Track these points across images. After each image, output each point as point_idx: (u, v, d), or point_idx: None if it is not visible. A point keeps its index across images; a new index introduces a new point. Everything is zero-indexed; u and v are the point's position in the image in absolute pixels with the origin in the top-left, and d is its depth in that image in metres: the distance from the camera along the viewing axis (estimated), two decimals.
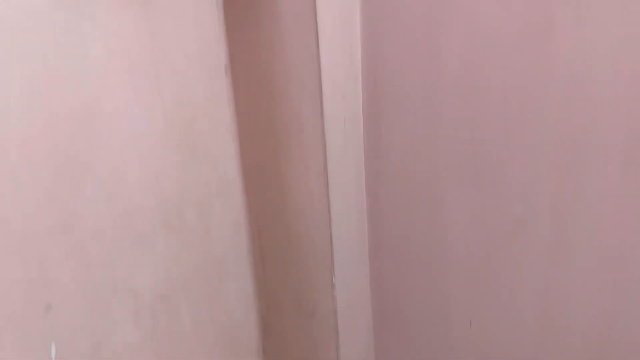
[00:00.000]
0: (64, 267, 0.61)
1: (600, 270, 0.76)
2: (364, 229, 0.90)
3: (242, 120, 0.82)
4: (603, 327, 0.79)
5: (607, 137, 0.70)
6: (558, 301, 0.79)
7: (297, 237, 0.83)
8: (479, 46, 0.75)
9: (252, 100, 0.81)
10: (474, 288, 0.85)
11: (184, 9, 0.73)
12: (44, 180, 0.58)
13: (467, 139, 0.79)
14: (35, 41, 0.56)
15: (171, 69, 0.71)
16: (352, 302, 0.88)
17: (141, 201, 0.69)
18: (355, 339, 0.90)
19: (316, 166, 0.80)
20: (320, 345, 0.86)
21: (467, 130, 0.79)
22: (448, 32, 0.76)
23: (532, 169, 0.76)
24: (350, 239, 0.86)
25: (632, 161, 0.70)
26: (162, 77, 0.70)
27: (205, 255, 0.78)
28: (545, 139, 0.74)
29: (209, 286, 0.79)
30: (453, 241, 0.84)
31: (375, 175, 0.87)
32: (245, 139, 0.83)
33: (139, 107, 0.68)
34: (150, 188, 0.70)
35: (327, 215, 0.81)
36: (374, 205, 0.88)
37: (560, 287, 0.79)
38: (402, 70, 0.81)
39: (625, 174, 0.71)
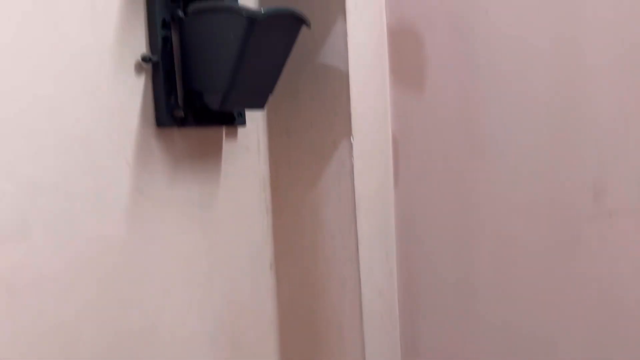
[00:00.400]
0: None
1: None
2: None
3: (284, 315, 0.86)
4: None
5: None
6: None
7: None
8: (507, 258, 0.80)
9: (295, 296, 0.86)
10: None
11: (238, 219, 0.80)
12: None
13: (500, 337, 0.82)
14: (110, 272, 0.62)
15: (222, 272, 0.77)
16: None
17: None
18: None
19: None
20: None
21: (500, 331, 0.82)
22: (478, 242, 0.82)
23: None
24: None
25: None
26: (214, 281, 0.76)
27: None
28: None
29: None
30: None
31: None
32: (287, 334, 0.86)
33: (192, 314, 0.72)
34: None
35: None
36: None
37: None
38: (435, 269, 0.86)
39: None
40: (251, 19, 0.63)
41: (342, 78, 0.80)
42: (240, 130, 0.80)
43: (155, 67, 0.66)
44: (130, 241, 0.64)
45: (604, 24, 0.73)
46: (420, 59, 0.86)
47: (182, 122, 0.69)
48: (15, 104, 0.54)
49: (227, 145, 0.78)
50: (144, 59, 0.65)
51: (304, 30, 0.71)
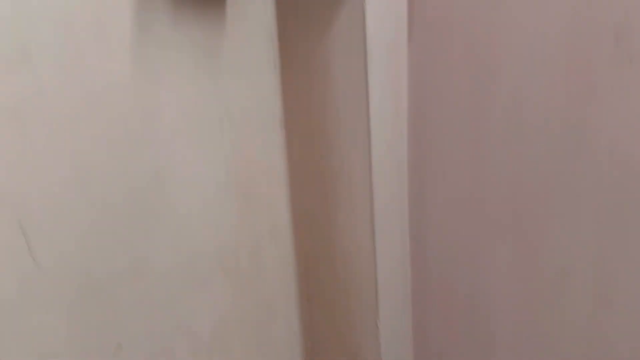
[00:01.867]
0: (134, 310, 0.66)
1: None
2: (407, 274, 0.93)
3: (294, 169, 0.87)
4: None
5: None
6: (601, 353, 0.81)
7: (344, 280, 0.87)
8: (522, 107, 0.79)
9: (304, 151, 0.86)
10: (517, 336, 0.87)
11: (246, 71, 0.78)
12: (119, 229, 0.64)
13: (510, 192, 0.82)
14: (118, 110, 0.62)
15: (232, 123, 0.77)
16: (395, 346, 0.90)
17: (202, 247, 0.74)
18: None
19: (363, 213, 0.84)
20: None
21: (510, 183, 0.82)
22: (493, 93, 0.80)
23: (574, 220, 0.78)
24: (394, 284, 0.89)
25: None
26: (224, 132, 0.76)
27: (256, 297, 0.82)
28: (588, 192, 0.77)
29: (259, 327, 0.83)
30: (495, 289, 0.86)
31: (418, 222, 0.91)
32: (297, 187, 0.87)
33: (203, 161, 0.73)
34: (211, 234, 0.75)
35: (372, 260, 0.84)
36: (417, 252, 0.92)
37: (604, 338, 0.80)
38: (446, 125, 0.86)
39: None
40: None
41: None
42: None
43: None
44: (137, 79, 0.63)
45: None
46: None
47: None
48: None
49: None
50: None
51: None
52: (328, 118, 0.84)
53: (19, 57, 0.53)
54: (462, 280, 0.89)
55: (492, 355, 0.90)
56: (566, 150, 0.78)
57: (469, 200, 0.87)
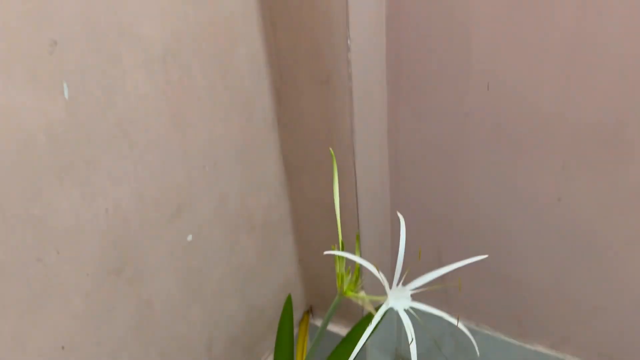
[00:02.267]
0: (66, 3, 0.58)
1: None
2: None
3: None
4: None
5: None
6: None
7: None
8: None
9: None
10: (492, 52, 0.82)
11: None
12: None
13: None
14: None
15: None
16: (367, 69, 0.85)
17: None
18: (369, 108, 0.89)
19: None
20: (335, 112, 0.86)
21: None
22: None
23: None
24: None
25: None
26: None
27: (212, 13, 0.75)
28: None
29: (218, 47, 0.77)
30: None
31: None
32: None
33: None
34: None
35: None
36: None
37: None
38: None
39: None
40: None
41: None
42: None
43: None
44: None
45: None
46: None
47: None
48: None
49: None
50: None
51: None
52: None
53: None
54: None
55: (468, 73, 0.85)
56: None
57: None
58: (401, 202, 1.07)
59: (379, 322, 1.02)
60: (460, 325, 0.62)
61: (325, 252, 0.59)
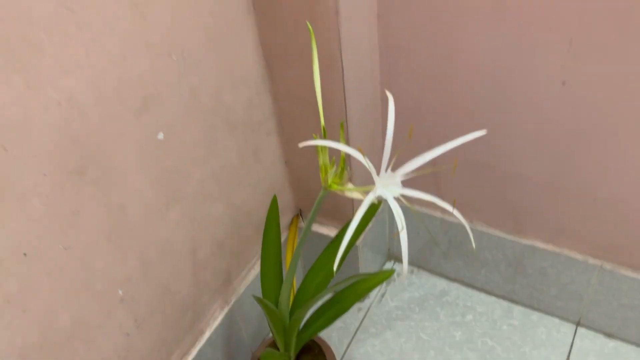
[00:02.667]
0: None
1: None
2: None
3: None
4: None
5: None
6: None
7: None
8: None
9: None
10: None
11: None
12: None
13: None
14: None
15: None
16: None
17: None
18: None
19: None
20: None
21: None
22: None
23: None
24: None
25: None
26: None
27: None
28: None
29: None
30: None
31: None
32: None
33: None
34: None
35: None
36: None
37: None
38: None
39: None
40: None
41: None
42: None
43: None
44: None
45: None
46: None
47: None
48: None
49: None
50: None
51: None
52: None
53: None
54: None
55: None
56: None
57: None
58: (393, 86, 0.99)
59: (369, 216, 0.98)
60: (455, 212, 0.57)
61: (302, 144, 0.52)
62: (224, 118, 0.85)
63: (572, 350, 1.11)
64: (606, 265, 1.03)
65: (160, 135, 0.74)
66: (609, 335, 1.13)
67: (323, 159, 0.59)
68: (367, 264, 1.19)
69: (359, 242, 1.11)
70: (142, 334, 0.82)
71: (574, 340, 1.13)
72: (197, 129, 0.81)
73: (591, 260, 1.04)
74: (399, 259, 1.31)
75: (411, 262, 1.29)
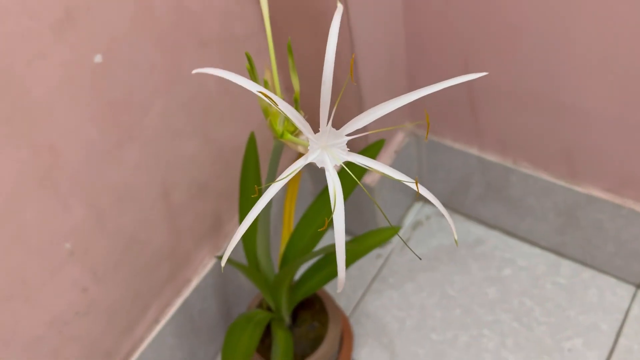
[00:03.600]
0: None
1: None
2: None
3: None
4: None
5: None
6: None
7: None
8: None
9: None
10: None
11: None
12: None
13: None
14: None
15: None
16: None
17: None
18: None
19: None
20: None
21: None
22: None
23: None
24: None
25: None
26: None
27: None
28: None
29: None
30: None
31: None
32: None
33: None
34: None
35: None
36: None
37: None
38: None
39: None
40: None
41: None
42: None
43: None
44: None
45: None
46: None
47: None
48: None
49: None
50: None
51: None
52: None
53: None
54: None
55: None
56: None
57: None
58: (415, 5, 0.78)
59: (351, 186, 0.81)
60: (424, 191, 0.39)
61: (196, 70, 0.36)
62: (190, 32, 0.69)
63: (628, 317, 0.93)
64: None
65: (98, 58, 0.59)
66: None
67: (269, 105, 0.43)
68: (388, 207, 1.03)
69: (374, 183, 0.94)
70: (105, 288, 0.73)
71: (631, 306, 0.94)
72: (152, 48, 0.65)
73: None
74: (428, 200, 1.13)
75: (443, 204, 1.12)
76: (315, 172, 1.01)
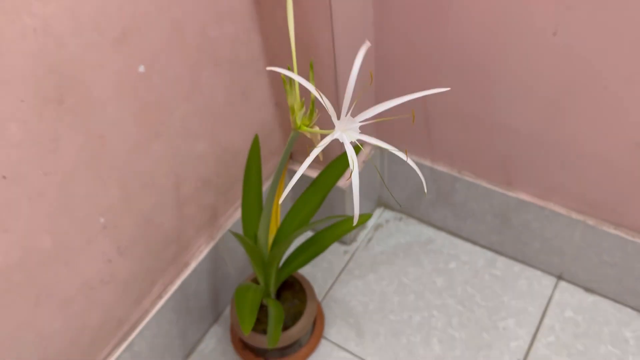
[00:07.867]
0: None
1: None
2: None
3: None
4: None
5: None
6: None
7: None
8: None
9: None
10: None
11: None
12: None
13: None
14: None
15: None
16: None
17: None
18: None
19: None
20: None
21: None
22: None
23: None
24: None
25: None
26: None
27: None
28: None
29: None
30: None
31: None
32: None
33: None
34: None
35: None
36: None
37: None
38: None
39: None
40: None
41: None
42: None
43: None
44: None
45: None
46: None
47: None
48: None
49: None
50: None
51: None
52: None
53: None
54: None
55: None
56: None
57: None
58: (385, 30, 0.98)
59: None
60: (410, 161, 0.57)
61: (269, 68, 0.53)
62: (209, 54, 0.85)
63: (551, 303, 1.13)
64: (589, 221, 1.04)
65: (141, 68, 0.75)
66: (589, 290, 1.15)
67: (291, 100, 0.60)
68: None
69: (345, 186, 1.12)
70: (125, 262, 0.86)
71: (554, 293, 1.15)
72: (181, 64, 0.81)
73: (575, 216, 1.04)
74: (388, 206, 1.32)
75: (400, 209, 1.31)
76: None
